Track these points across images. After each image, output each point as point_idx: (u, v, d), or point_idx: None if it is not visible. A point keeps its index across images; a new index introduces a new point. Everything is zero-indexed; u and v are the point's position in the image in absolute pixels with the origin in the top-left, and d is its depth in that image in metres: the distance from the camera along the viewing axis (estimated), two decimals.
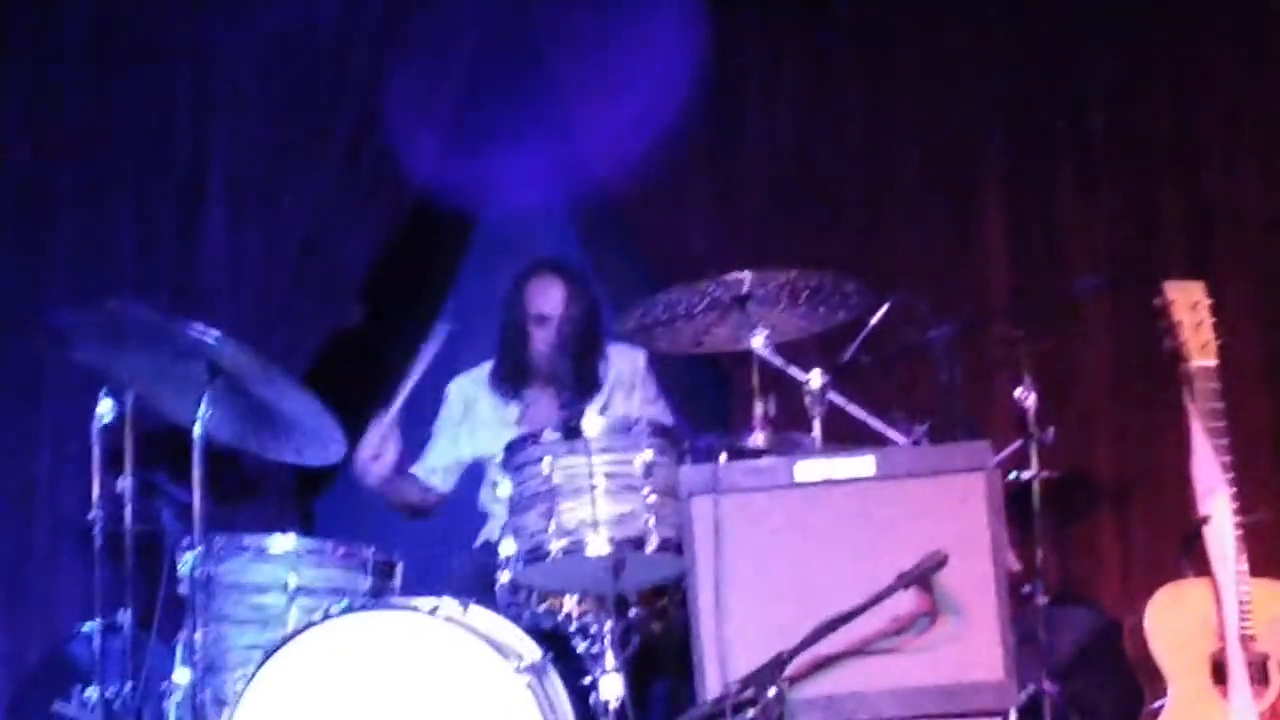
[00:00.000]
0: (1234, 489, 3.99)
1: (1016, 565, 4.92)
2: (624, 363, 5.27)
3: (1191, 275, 5.29)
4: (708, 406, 5.87)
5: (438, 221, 6.00)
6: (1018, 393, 4.95)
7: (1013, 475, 5.04)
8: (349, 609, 4.14)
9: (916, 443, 4.64)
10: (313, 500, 6.11)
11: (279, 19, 5.76)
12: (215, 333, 4.26)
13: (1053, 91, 5.87)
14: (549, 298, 5.20)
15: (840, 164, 5.87)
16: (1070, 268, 5.71)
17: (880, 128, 5.89)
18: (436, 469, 5.28)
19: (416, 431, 5.40)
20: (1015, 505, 5.06)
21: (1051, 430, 4.95)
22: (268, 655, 4.05)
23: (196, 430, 4.32)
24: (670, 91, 5.58)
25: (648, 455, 4.19)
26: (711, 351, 4.70)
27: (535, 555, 4.18)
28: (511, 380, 5.23)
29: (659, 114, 5.58)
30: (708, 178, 5.85)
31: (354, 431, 4.82)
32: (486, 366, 5.32)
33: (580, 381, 5.20)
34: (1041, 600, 4.98)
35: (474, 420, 5.26)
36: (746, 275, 4.35)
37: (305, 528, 5.88)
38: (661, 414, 5.22)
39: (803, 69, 5.90)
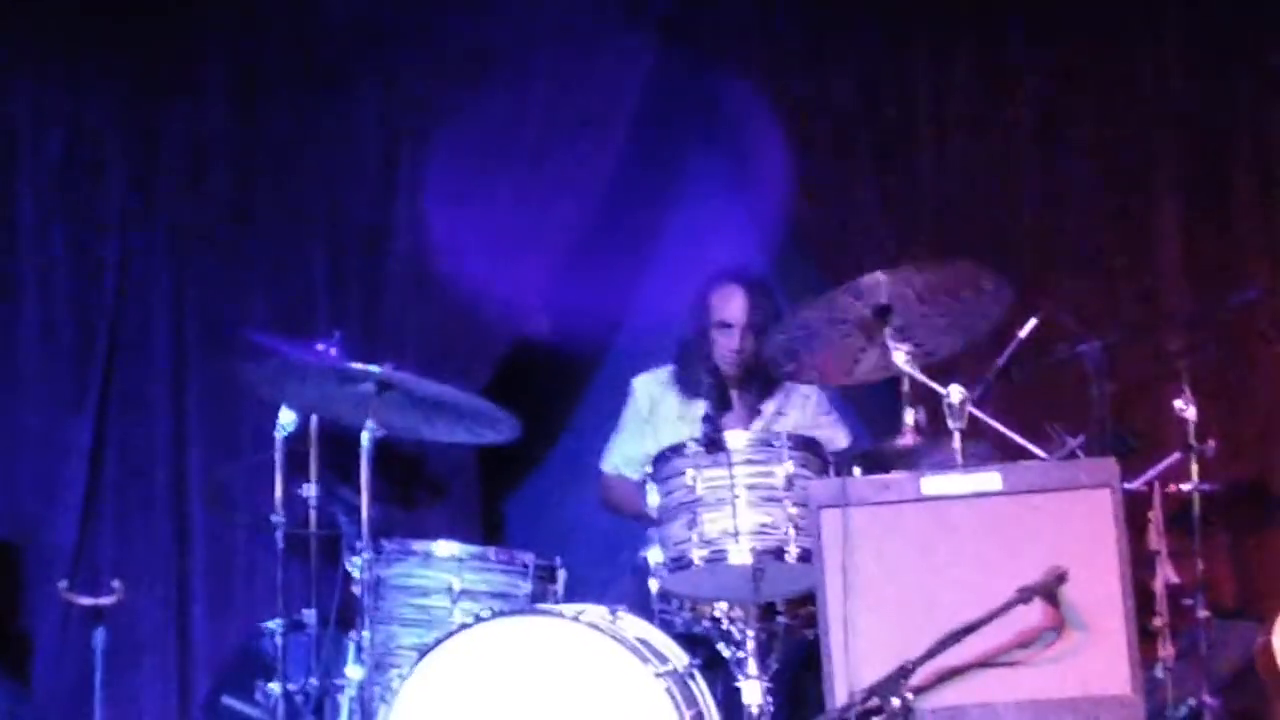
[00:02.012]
0: None
1: (1175, 578, 4.90)
2: None
3: None
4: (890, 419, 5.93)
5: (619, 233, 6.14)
6: (1177, 404, 4.92)
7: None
8: (498, 614, 4.32)
9: (1072, 455, 4.67)
10: (501, 504, 6.32)
11: (462, 42, 5.98)
12: (377, 369, 4.52)
13: (1229, 99, 5.78)
14: (732, 306, 5.34)
15: (1010, 171, 5.87)
16: (1247, 279, 5.61)
17: (1052, 134, 5.87)
18: (631, 460, 5.39)
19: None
20: (1180, 518, 5.07)
21: (1212, 443, 4.90)
22: (421, 656, 4.25)
23: (364, 440, 4.56)
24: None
25: (789, 467, 4.32)
26: (863, 381, 4.72)
27: (679, 564, 4.33)
28: (693, 384, 5.36)
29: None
30: (878, 192, 5.89)
31: (528, 433, 5.01)
32: (668, 369, 5.48)
33: (759, 388, 5.33)
34: (1203, 614, 4.93)
35: (658, 418, 5.42)
36: (879, 277, 4.38)
37: (493, 533, 6.10)
38: (834, 427, 5.33)
39: (974, 75, 5.91)
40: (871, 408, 5.76)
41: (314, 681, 5.02)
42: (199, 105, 6.09)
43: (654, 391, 5.47)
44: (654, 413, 5.44)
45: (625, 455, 5.45)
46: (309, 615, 5.12)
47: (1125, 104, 5.88)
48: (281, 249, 6.04)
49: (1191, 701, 4.87)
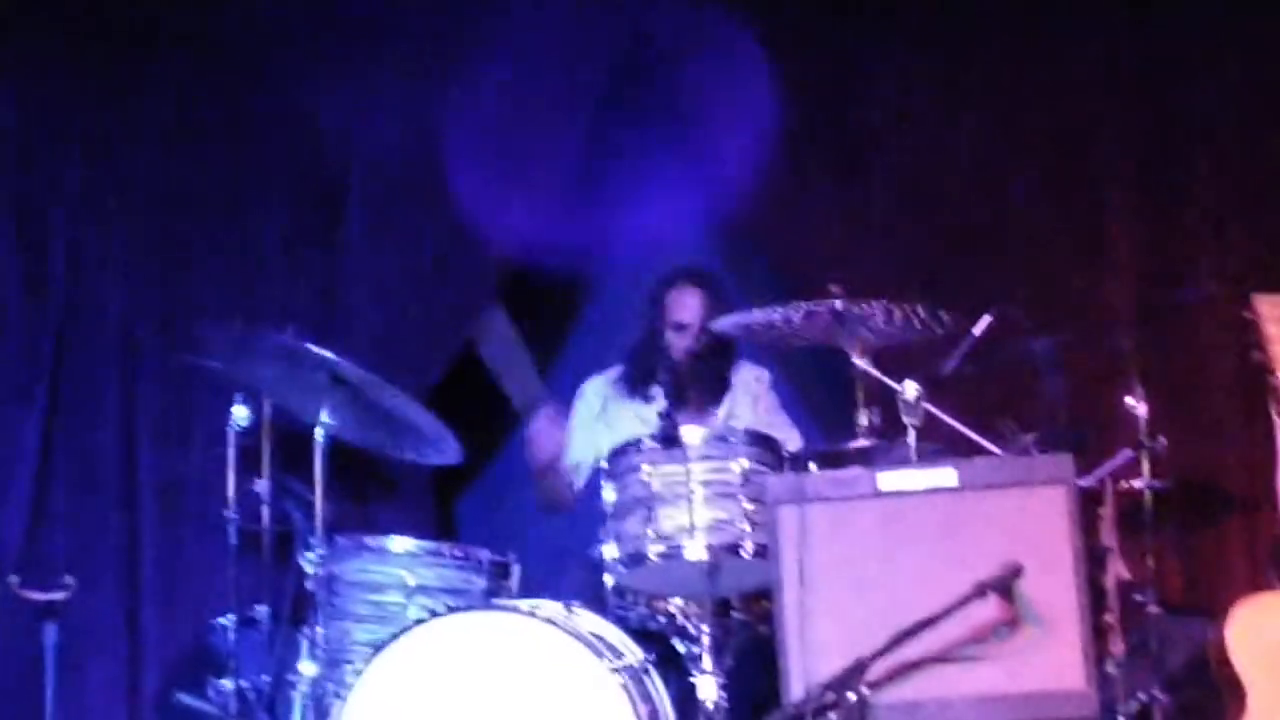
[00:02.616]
0: None
1: (1126, 574, 4.94)
2: (749, 375, 5.42)
3: None
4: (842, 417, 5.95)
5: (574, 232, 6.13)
6: (1129, 401, 4.96)
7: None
8: (454, 609, 4.31)
9: (1025, 452, 4.71)
10: (454, 502, 6.31)
11: (415, 27, 5.96)
12: (331, 355, 4.53)
13: (1181, 99, 5.83)
14: (687, 306, 5.35)
15: (963, 173, 5.89)
16: (1196, 279, 5.66)
17: (1003, 137, 5.89)
18: (579, 465, 5.41)
19: None
20: (1132, 514, 5.11)
21: (1163, 439, 4.94)
22: (376, 651, 4.24)
23: (318, 435, 4.55)
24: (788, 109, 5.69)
25: (745, 463, 4.34)
26: (808, 345, 4.77)
27: (635, 560, 4.35)
28: (644, 384, 5.37)
29: (779, 131, 5.69)
30: (833, 191, 5.91)
31: (481, 428, 5.01)
32: (616, 370, 5.48)
33: (712, 388, 5.33)
34: (1153, 609, 4.97)
35: (610, 418, 5.41)
36: (839, 303, 4.44)
37: (446, 529, 6.08)
38: (783, 428, 5.34)
39: (927, 82, 5.93)
40: (826, 409, 5.79)
41: (267, 678, 5.02)
42: (148, 93, 6.01)
43: (605, 392, 5.47)
44: (606, 410, 5.44)
45: (575, 457, 5.41)
46: (261, 611, 5.11)
47: (1073, 104, 5.91)
48: (234, 242, 5.98)
49: (1142, 696, 4.91)
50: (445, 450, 4.78)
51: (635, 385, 5.40)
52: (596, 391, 5.49)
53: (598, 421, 5.43)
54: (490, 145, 5.81)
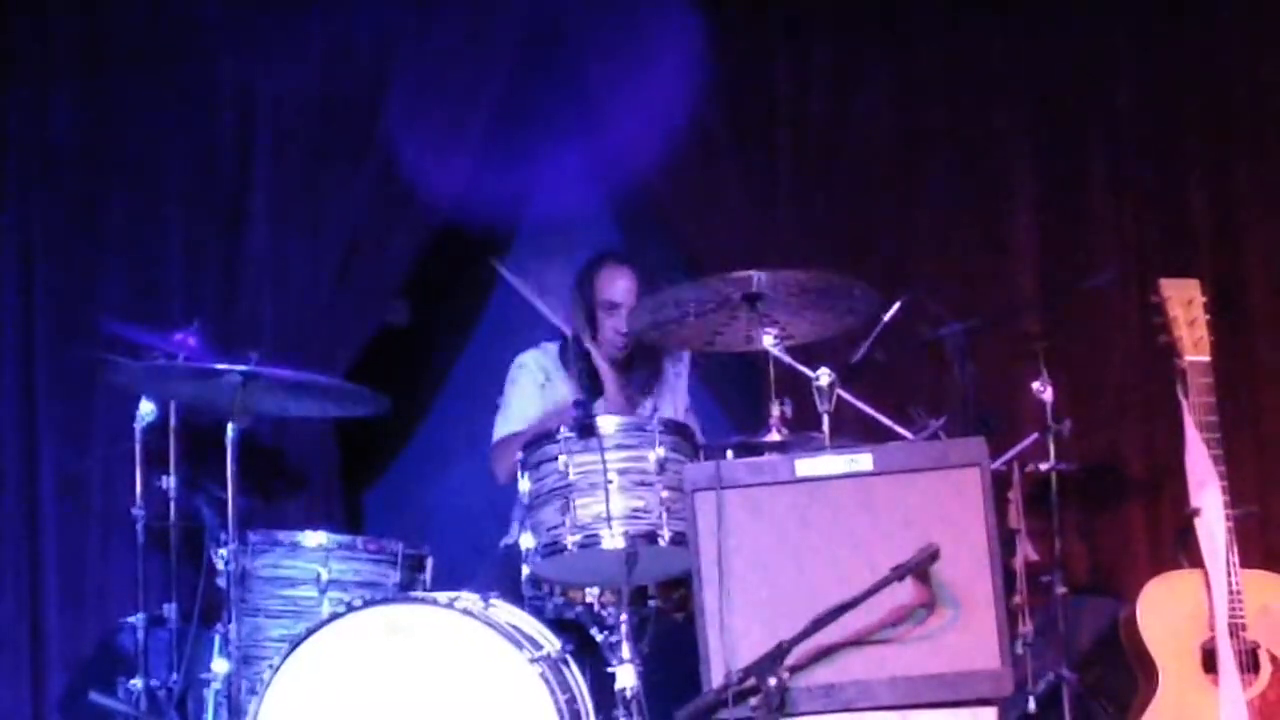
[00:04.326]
0: (1225, 482, 4.06)
1: (1034, 555, 5.01)
2: (675, 362, 5.42)
3: (1219, 272, 5.46)
4: (751, 409, 5.97)
5: (478, 221, 6.10)
6: (1035, 386, 5.02)
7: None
8: (370, 602, 4.28)
9: (934, 436, 4.75)
10: (361, 495, 6.27)
11: (318, 38, 5.91)
12: (240, 369, 4.50)
13: (1081, 85, 5.91)
14: (619, 286, 5.31)
15: (869, 157, 5.93)
16: (1099, 264, 5.73)
17: (910, 123, 5.94)
18: (527, 418, 5.26)
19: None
20: (1039, 496, 5.19)
21: (1068, 423, 5.01)
22: (293, 647, 4.21)
23: (230, 432, 4.51)
24: (696, 84, 5.69)
25: (661, 452, 4.34)
26: (724, 350, 4.77)
27: (552, 549, 4.34)
28: (577, 363, 5.30)
29: (687, 106, 5.69)
30: (738, 171, 5.92)
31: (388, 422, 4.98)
32: (553, 345, 5.38)
33: (643, 368, 5.32)
34: (1060, 590, 5.05)
35: (553, 391, 5.32)
36: (754, 274, 4.41)
37: (353, 522, 6.04)
38: (689, 417, 5.33)
39: (832, 65, 5.96)
40: (735, 401, 5.82)
41: (177, 676, 4.97)
42: (46, 87, 5.93)
43: (546, 365, 5.36)
44: (549, 384, 5.36)
45: (518, 416, 5.28)
46: (169, 610, 5.06)
47: (977, 93, 5.97)
48: (135, 234, 5.90)
49: (1051, 675, 4.99)
50: (372, 403, 4.77)
51: (568, 365, 5.34)
52: (537, 363, 5.38)
53: (543, 389, 5.34)
54: (405, 108, 5.77)
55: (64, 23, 5.96)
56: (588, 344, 5.25)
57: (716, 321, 4.54)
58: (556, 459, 4.34)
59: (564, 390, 5.27)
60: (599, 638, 4.49)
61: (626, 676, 4.27)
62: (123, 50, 5.94)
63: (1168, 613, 4.12)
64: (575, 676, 4.35)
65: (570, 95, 5.94)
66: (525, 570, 4.46)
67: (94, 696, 4.73)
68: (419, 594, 4.45)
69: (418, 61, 5.86)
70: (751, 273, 4.41)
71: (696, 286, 4.50)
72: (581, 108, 5.92)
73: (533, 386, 5.30)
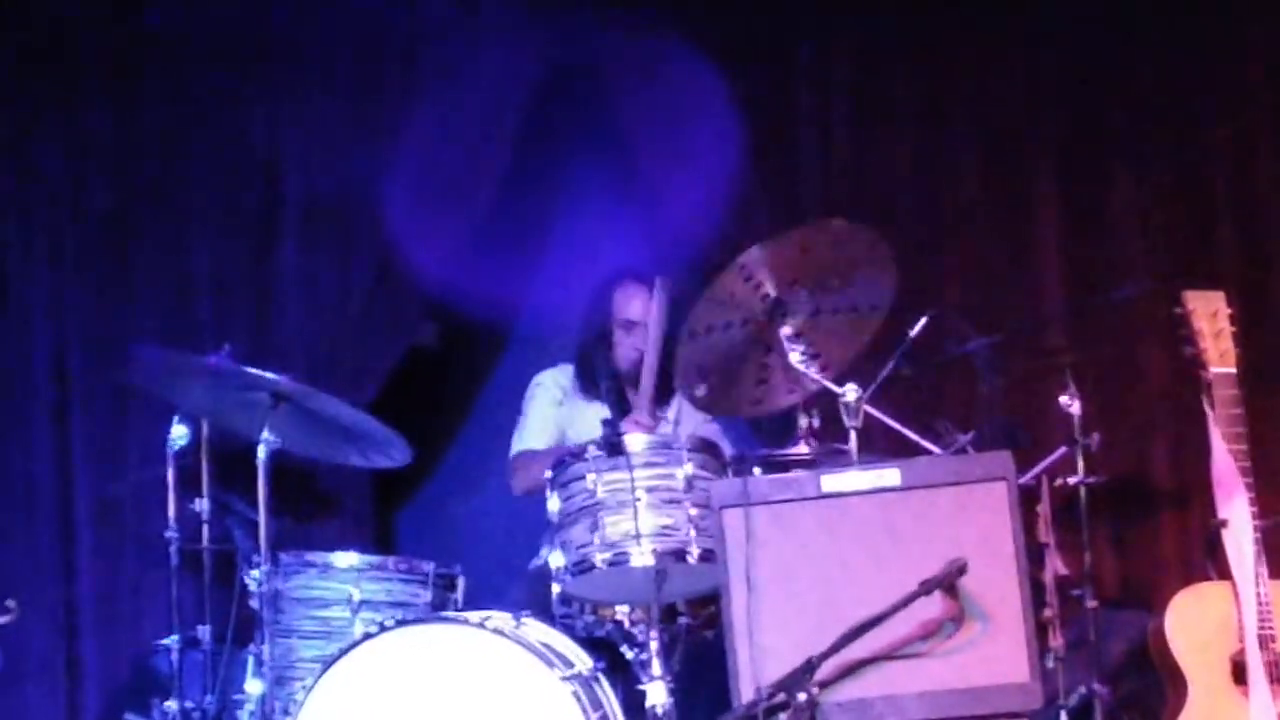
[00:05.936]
0: (1252, 494, 4.05)
1: (1064, 569, 5.01)
2: None
3: (1248, 285, 5.45)
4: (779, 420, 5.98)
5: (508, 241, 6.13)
6: (1063, 400, 5.02)
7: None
8: (402, 622, 4.31)
9: (962, 451, 4.77)
10: (393, 515, 6.30)
11: (345, 52, 5.97)
12: (269, 374, 4.53)
13: (1108, 100, 5.91)
14: (635, 304, 5.32)
15: (895, 184, 5.95)
16: (1125, 277, 5.72)
17: (934, 144, 5.96)
18: (541, 434, 5.33)
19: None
20: (1068, 510, 5.18)
21: (1096, 436, 5.00)
22: (326, 667, 4.24)
23: (261, 453, 4.54)
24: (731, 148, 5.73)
25: (689, 469, 4.36)
26: (772, 411, 4.75)
27: (581, 568, 4.35)
28: (594, 386, 5.34)
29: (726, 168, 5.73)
30: (763, 196, 5.94)
31: (419, 442, 5.01)
32: (569, 368, 5.43)
33: (660, 387, 5.30)
34: (1091, 604, 5.04)
35: (571, 409, 5.36)
36: (754, 252, 4.39)
37: (385, 543, 6.07)
38: (718, 437, 5.33)
39: (855, 86, 5.99)
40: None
41: (211, 698, 5.00)
42: (78, 114, 5.99)
43: (563, 384, 5.41)
44: (565, 403, 5.39)
45: (535, 431, 5.34)
46: (204, 631, 5.09)
47: (1004, 106, 5.99)
48: (166, 261, 5.96)
49: (1082, 689, 4.97)
50: (394, 452, 4.79)
51: (585, 386, 5.37)
52: (555, 382, 5.42)
53: (560, 407, 5.38)
54: (419, 172, 5.81)
55: (94, 48, 6.01)
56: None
57: (757, 364, 4.52)
58: (585, 477, 4.36)
59: (581, 408, 5.30)
60: (630, 655, 4.51)
61: (657, 694, 4.29)
62: (154, 81, 6.00)
63: (1197, 624, 4.12)
64: (607, 694, 4.38)
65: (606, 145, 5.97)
66: (556, 588, 4.49)
67: (128, 717, 4.76)
68: (451, 614, 4.47)
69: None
70: (753, 252, 4.39)
71: (711, 291, 4.45)
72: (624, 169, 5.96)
73: (549, 404, 5.35)
